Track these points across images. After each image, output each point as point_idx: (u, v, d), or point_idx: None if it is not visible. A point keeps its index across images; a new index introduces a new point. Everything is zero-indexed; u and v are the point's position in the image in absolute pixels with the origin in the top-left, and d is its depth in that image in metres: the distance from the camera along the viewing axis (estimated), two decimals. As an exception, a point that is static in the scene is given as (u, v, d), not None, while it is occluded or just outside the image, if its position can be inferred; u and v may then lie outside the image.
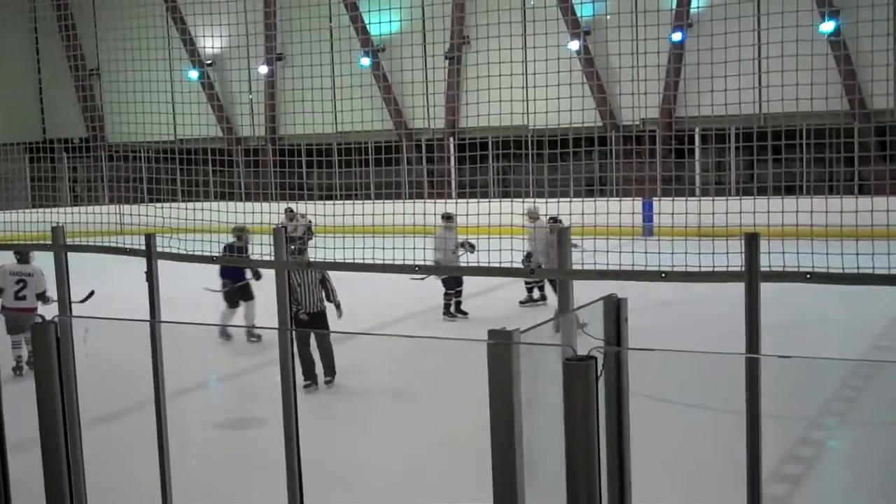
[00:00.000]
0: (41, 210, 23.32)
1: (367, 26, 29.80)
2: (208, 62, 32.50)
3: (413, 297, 16.37)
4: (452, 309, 16.70)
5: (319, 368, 12.12)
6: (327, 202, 24.12)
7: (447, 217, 16.35)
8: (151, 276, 6.36)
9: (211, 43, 32.09)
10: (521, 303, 16.80)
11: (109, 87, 32.78)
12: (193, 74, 32.48)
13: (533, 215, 16.70)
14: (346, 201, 27.01)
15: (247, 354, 14.16)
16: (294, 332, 11.09)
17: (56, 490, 3.78)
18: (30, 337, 12.37)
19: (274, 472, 5.96)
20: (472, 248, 15.61)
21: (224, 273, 15.96)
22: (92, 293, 11.27)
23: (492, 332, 2.89)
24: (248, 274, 15.79)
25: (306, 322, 12.22)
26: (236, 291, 15.60)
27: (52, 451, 3.71)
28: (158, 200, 25.29)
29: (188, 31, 31.99)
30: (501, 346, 2.85)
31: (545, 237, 15.86)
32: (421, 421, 10.50)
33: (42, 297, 14.03)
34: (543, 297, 16.83)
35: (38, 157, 32.54)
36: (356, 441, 10.03)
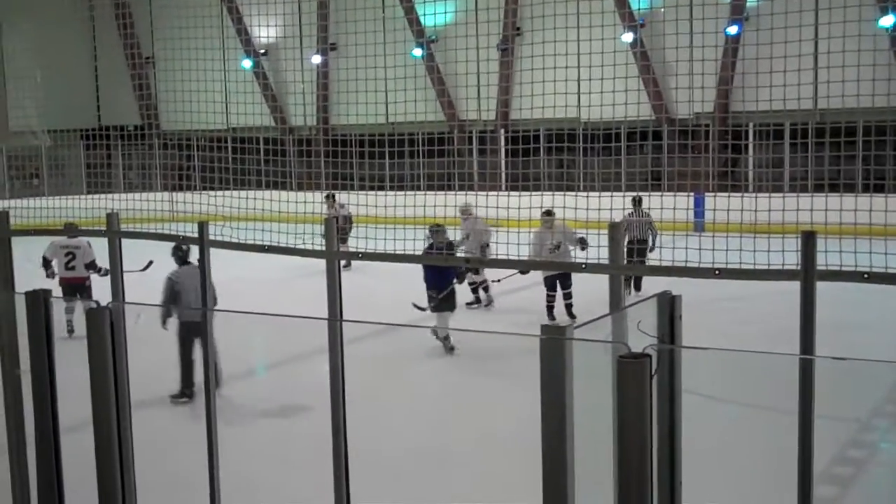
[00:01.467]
0: (96, 196, 23.61)
1: (421, 17, 29.78)
2: (262, 51, 32.69)
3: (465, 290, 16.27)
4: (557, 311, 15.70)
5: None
6: (379, 192, 24.22)
7: (547, 213, 15.69)
8: (204, 264, 6.39)
9: (265, 32, 32.27)
10: (467, 304, 16.50)
11: (164, 75, 33.21)
12: (247, 64, 32.69)
13: (466, 211, 16.77)
14: (392, 192, 27.10)
15: (295, 342, 14.20)
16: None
17: (107, 473, 3.81)
18: (73, 306, 12.79)
19: (321, 462, 5.98)
20: (584, 244, 14.38)
21: (429, 281, 14.98)
22: (151, 263, 11.38)
23: (545, 328, 2.86)
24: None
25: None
26: (441, 302, 14.30)
27: (105, 436, 3.74)
28: (211, 189, 25.57)
29: (242, 21, 32.18)
30: (554, 342, 2.82)
31: (480, 234, 16.16)
32: (465, 416, 10.48)
33: (92, 265, 14.73)
34: (482, 300, 16.92)
35: (93, 143, 33.00)
36: (402, 433, 10.03)
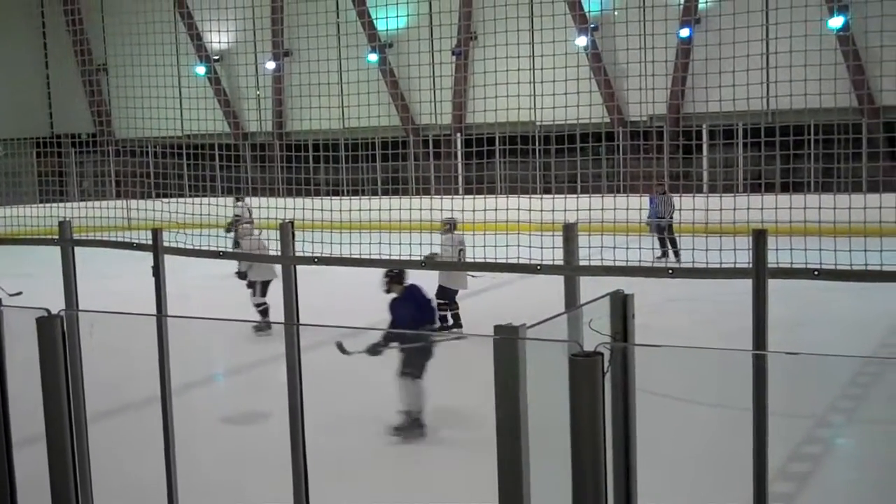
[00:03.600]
0: (48, 205, 23.35)
1: (375, 22, 29.78)
2: (215, 57, 32.52)
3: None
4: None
5: None
6: (334, 198, 24.14)
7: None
8: (158, 271, 6.36)
9: (218, 38, 32.08)
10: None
11: (117, 82, 32.91)
12: (200, 70, 32.48)
13: (449, 225, 15.91)
14: (353, 197, 27.02)
15: (253, 347, 14.15)
16: None
17: (61, 485, 3.78)
18: None
19: (279, 467, 5.96)
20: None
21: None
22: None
23: (498, 328, 2.88)
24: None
25: None
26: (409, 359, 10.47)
27: (58, 445, 3.71)
28: (166, 195, 25.34)
29: (195, 27, 32.00)
30: (507, 342, 2.84)
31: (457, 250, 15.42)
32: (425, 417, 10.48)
33: None
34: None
35: (45, 152, 32.62)
36: (357, 435, 10.02)
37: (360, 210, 17.85)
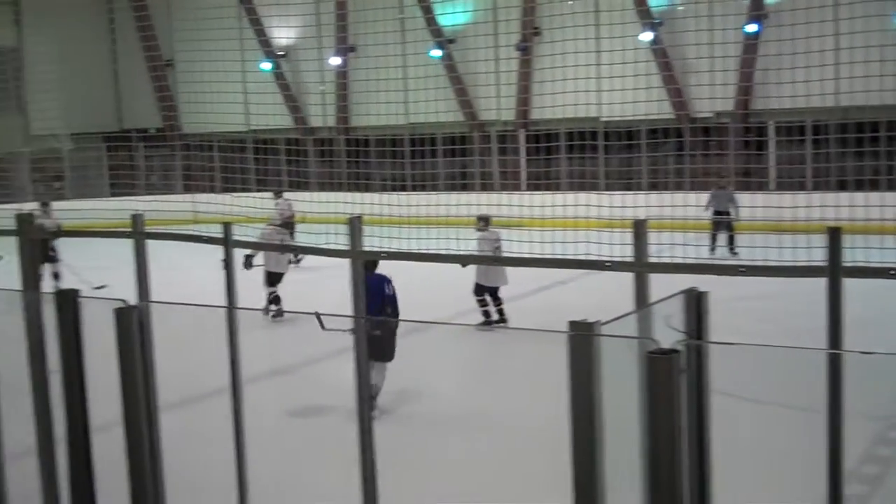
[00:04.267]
0: (119, 199, 23.74)
1: (438, 17, 29.78)
2: (281, 53, 32.76)
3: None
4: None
5: None
6: (400, 193, 24.23)
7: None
8: (229, 265, 6.42)
9: (283, 34, 32.37)
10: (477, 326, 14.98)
11: (184, 77, 33.40)
12: (266, 66, 32.79)
13: (484, 221, 15.67)
14: (417, 192, 27.09)
15: (317, 343, 14.23)
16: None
17: (138, 472, 3.84)
18: None
19: (347, 461, 5.99)
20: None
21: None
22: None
23: (573, 324, 2.86)
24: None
25: None
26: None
27: (135, 432, 3.77)
28: (232, 190, 25.68)
29: (261, 23, 32.28)
30: (583, 338, 2.82)
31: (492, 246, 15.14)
32: (491, 415, 10.48)
33: None
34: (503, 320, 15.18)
35: (115, 146, 33.19)
36: (427, 432, 10.04)
37: (427, 205, 17.98)
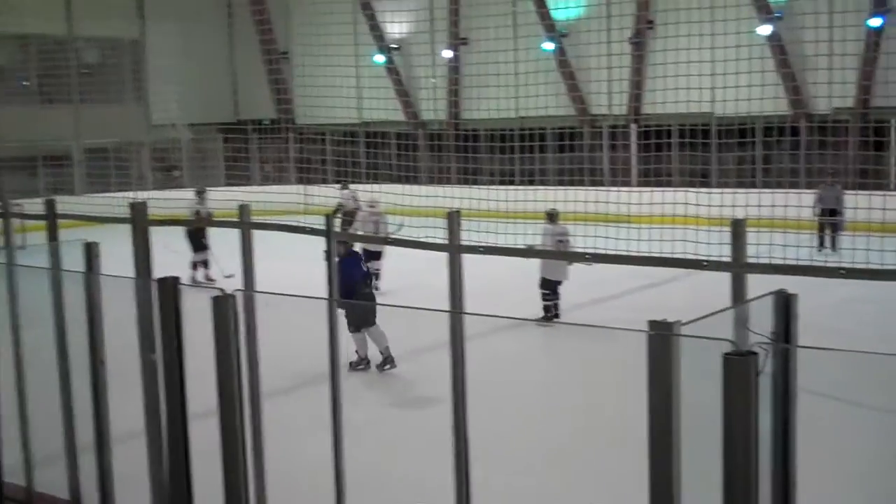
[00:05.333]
0: (233, 189, 24.25)
1: (551, 10, 29.65)
2: (394, 46, 33.04)
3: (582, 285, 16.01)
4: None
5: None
6: (508, 188, 24.23)
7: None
8: (330, 256, 6.55)
9: (397, 26, 32.63)
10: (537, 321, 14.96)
11: (299, 70, 33.95)
12: (379, 58, 33.10)
13: (553, 217, 15.64)
14: (526, 187, 27.05)
15: (420, 334, 14.36)
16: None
17: (233, 459, 3.95)
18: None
19: (445, 453, 6.05)
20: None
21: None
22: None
23: (653, 324, 2.86)
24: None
25: None
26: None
27: (230, 420, 3.88)
28: (342, 181, 26.02)
29: (375, 16, 32.61)
30: (662, 338, 2.82)
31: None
32: (568, 409, 10.45)
33: None
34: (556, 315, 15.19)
35: (231, 136, 33.96)
36: (510, 428, 10.06)
37: (534, 201, 17.90)
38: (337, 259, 12.16)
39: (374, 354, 12.33)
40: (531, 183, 28.25)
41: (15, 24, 31.10)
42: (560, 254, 14.76)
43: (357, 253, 12.67)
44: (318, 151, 32.87)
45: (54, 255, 6.55)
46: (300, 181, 31.85)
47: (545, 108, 27.43)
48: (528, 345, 13.78)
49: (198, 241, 18.68)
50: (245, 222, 6.94)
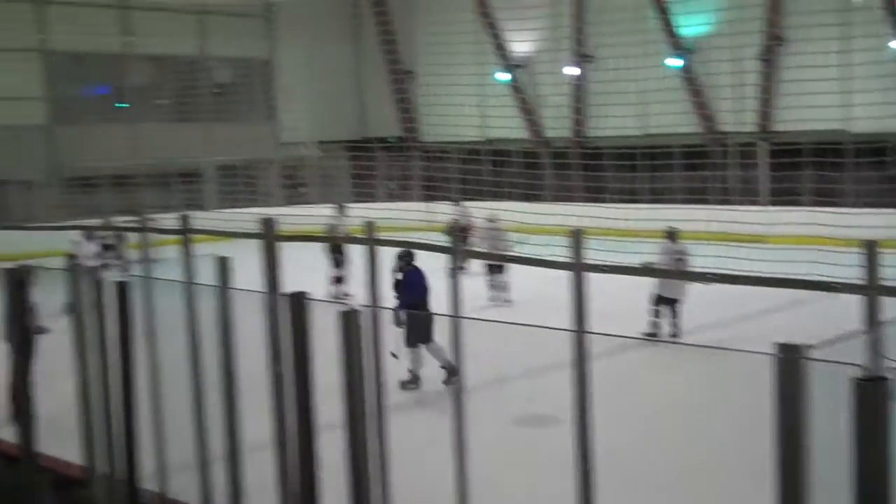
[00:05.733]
0: (360, 205, 24.59)
1: (678, 26, 29.28)
2: (518, 63, 33.10)
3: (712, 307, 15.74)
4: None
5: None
6: (631, 206, 24.02)
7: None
8: (454, 274, 6.58)
9: (521, 45, 32.70)
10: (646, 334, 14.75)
11: (424, 88, 34.34)
12: (503, 76, 33.22)
13: (672, 235, 15.49)
14: (651, 205, 26.75)
15: (544, 351, 14.32)
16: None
17: (359, 472, 4.02)
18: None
19: (569, 472, 6.03)
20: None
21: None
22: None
23: (783, 347, 2.82)
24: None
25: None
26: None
27: (357, 432, 3.96)
28: (467, 199, 26.16)
29: (499, 34, 32.74)
30: (790, 361, 2.77)
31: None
32: (690, 431, 10.28)
33: None
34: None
35: (356, 155, 34.50)
36: (637, 444, 9.95)
37: (660, 220, 17.70)
38: (400, 275, 12.43)
39: (428, 374, 12.22)
40: (656, 201, 27.92)
41: (151, 46, 32.29)
42: (685, 274, 14.56)
43: (419, 269, 12.43)
44: (441, 169, 33.13)
45: (188, 269, 6.76)
46: (424, 198, 32.17)
47: (672, 125, 27.13)
48: (650, 364, 13.60)
49: (337, 257, 18.84)
50: (372, 239, 7.05)
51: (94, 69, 33.04)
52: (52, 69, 31.36)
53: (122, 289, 5.17)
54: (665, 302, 14.92)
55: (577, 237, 6.02)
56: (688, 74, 29.08)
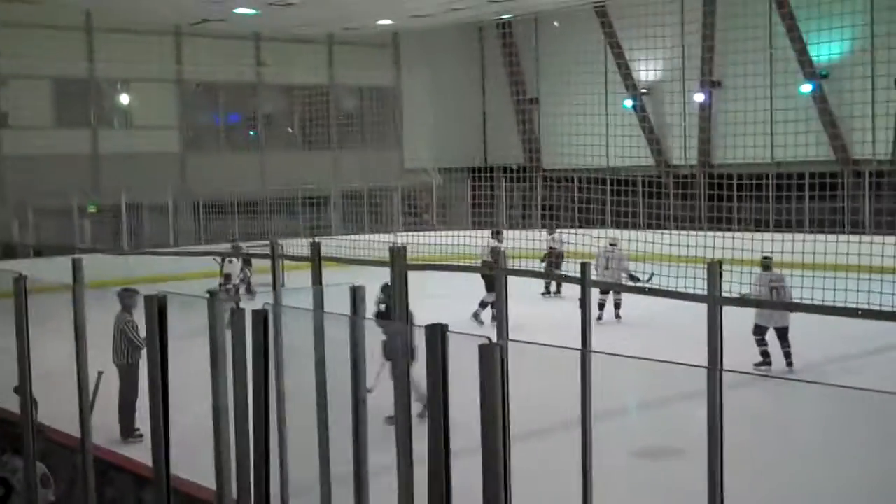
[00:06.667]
0: (477, 232, 24.58)
1: (810, 50, 28.54)
2: (644, 91, 32.78)
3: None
4: None
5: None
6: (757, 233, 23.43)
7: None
8: (585, 305, 6.49)
9: (646, 72, 32.37)
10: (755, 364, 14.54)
11: (548, 116, 34.24)
12: (628, 102, 32.93)
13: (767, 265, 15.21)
14: (782, 233, 26.10)
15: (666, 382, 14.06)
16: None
17: (493, 497, 3.95)
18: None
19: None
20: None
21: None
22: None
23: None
24: None
25: None
26: None
27: (492, 463, 3.89)
28: (588, 226, 25.94)
29: (626, 62, 32.47)
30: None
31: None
32: (816, 470, 9.91)
33: None
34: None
35: (478, 185, 34.58)
36: (769, 484, 9.63)
37: (792, 252, 17.23)
38: (384, 306, 12.22)
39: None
40: (787, 229, 27.16)
41: (282, 76, 33.09)
42: (824, 308, 14.11)
43: None
44: (563, 196, 32.94)
45: (318, 297, 6.82)
46: (545, 226, 32.01)
47: (803, 151, 26.39)
48: (773, 397, 13.21)
49: (491, 282, 18.75)
50: (502, 268, 7.01)
51: (225, 98, 33.98)
52: (186, 98, 32.39)
53: (263, 317, 5.22)
54: (761, 330, 14.64)
55: (714, 269, 5.86)
56: (821, 100, 28.32)
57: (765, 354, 14.61)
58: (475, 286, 17.67)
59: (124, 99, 31.57)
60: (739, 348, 14.49)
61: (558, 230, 24.36)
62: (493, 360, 3.50)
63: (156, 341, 5.76)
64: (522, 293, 12.12)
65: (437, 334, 3.69)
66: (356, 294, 5.78)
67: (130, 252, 25.68)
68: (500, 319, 6.97)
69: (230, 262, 19.36)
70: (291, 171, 32.09)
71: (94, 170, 30.27)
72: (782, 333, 14.55)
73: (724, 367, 5.88)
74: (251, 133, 34.38)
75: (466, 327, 16.32)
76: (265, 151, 33.48)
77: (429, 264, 9.32)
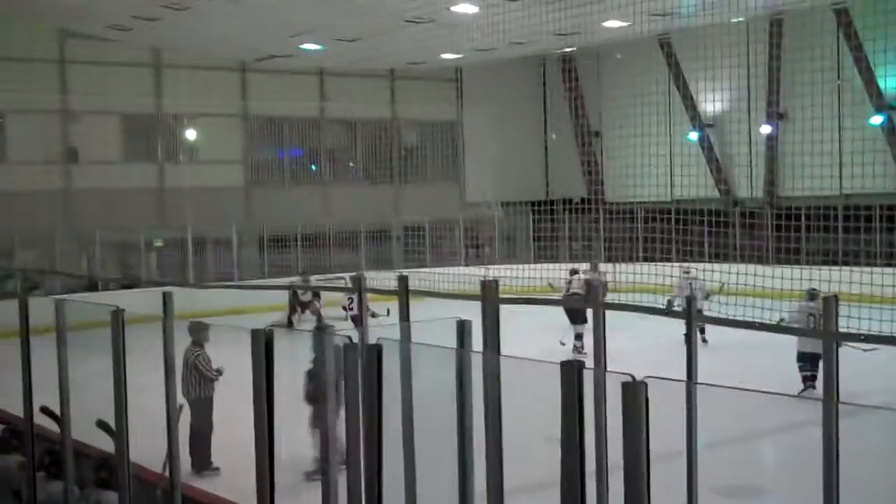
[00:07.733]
0: (539, 266, 24.41)
1: (879, 80, 28.14)
2: (709, 123, 32.53)
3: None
4: None
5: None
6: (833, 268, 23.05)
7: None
8: (690, 339, 6.34)
9: (712, 104, 32.11)
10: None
11: (611, 149, 34.05)
12: (693, 136, 32.70)
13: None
14: (850, 267, 25.66)
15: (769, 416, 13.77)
16: None
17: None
18: None
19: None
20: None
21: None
22: None
23: None
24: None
25: None
26: None
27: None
28: (652, 259, 25.68)
29: (690, 95, 32.26)
30: None
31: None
32: None
33: None
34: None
35: (540, 218, 34.44)
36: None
37: (863, 283, 16.91)
38: None
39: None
40: (856, 263, 26.69)
41: (344, 110, 33.36)
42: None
43: None
44: (626, 229, 32.72)
45: (406, 333, 6.74)
46: (608, 259, 31.74)
47: (871, 183, 25.97)
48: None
49: (577, 314, 18.75)
50: (600, 303, 6.90)
51: (288, 133, 34.28)
52: (250, 133, 32.74)
53: (377, 352, 5.17)
54: (805, 357, 15.05)
55: (831, 304, 5.69)
56: (889, 132, 27.90)
57: (805, 380, 15.08)
58: (538, 318, 17.40)
59: (190, 134, 31.95)
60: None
61: (599, 264, 24.40)
62: (637, 398, 3.40)
63: (262, 376, 5.73)
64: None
65: (574, 372, 3.61)
66: (463, 328, 5.70)
67: (198, 285, 25.85)
68: (599, 352, 6.84)
69: (305, 294, 19.48)
70: (354, 205, 32.28)
71: (161, 204, 30.66)
72: (818, 359, 14.69)
73: (844, 402, 5.71)
74: (312, 167, 34.61)
75: (548, 358, 16.14)
76: (328, 185, 33.69)
77: (522, 298, 9.18)
